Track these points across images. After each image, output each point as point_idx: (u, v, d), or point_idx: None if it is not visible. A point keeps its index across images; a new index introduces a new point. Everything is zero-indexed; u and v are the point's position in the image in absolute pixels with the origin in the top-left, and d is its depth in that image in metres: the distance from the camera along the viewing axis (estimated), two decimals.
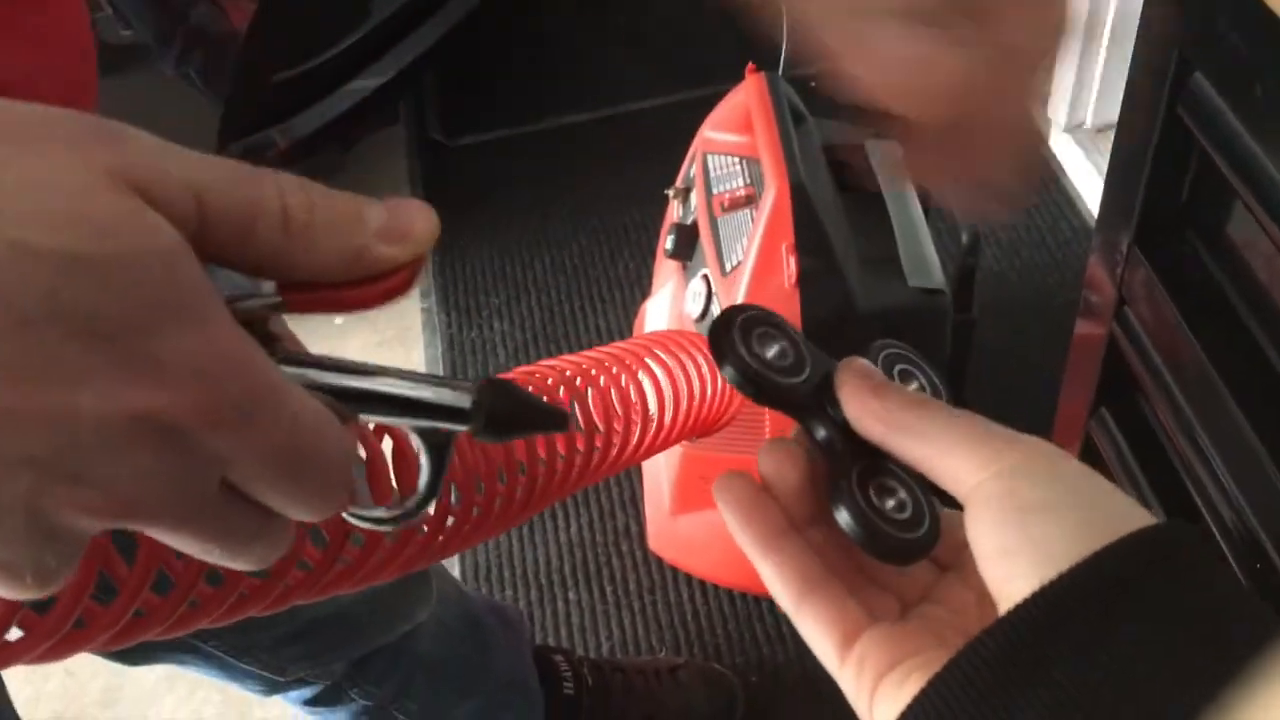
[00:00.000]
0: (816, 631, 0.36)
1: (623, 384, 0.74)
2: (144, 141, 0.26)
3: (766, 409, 1.18)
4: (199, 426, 0.25)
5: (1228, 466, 0.76)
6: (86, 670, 1.39)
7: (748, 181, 1.12)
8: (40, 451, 0.24)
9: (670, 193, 1.26)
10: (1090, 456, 0.90)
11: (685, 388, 0.84)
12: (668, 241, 1.19)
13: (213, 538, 0.27)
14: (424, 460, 0.32)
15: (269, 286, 0.28)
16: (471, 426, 0.30)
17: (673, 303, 1.24)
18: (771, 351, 0.38)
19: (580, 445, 0.63)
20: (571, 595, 1.39)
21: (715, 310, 1.10)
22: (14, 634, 0.35)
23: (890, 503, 0.36)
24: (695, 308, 1.13)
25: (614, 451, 0.68)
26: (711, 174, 1.17)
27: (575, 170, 1.91)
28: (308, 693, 0.92)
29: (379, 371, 0.30)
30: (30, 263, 0.23)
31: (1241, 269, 0.77)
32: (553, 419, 0.32)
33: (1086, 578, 0.30)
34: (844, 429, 0.36)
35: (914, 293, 1.06)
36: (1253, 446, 0.72)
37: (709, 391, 0.87)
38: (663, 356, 0.83)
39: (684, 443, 1.21)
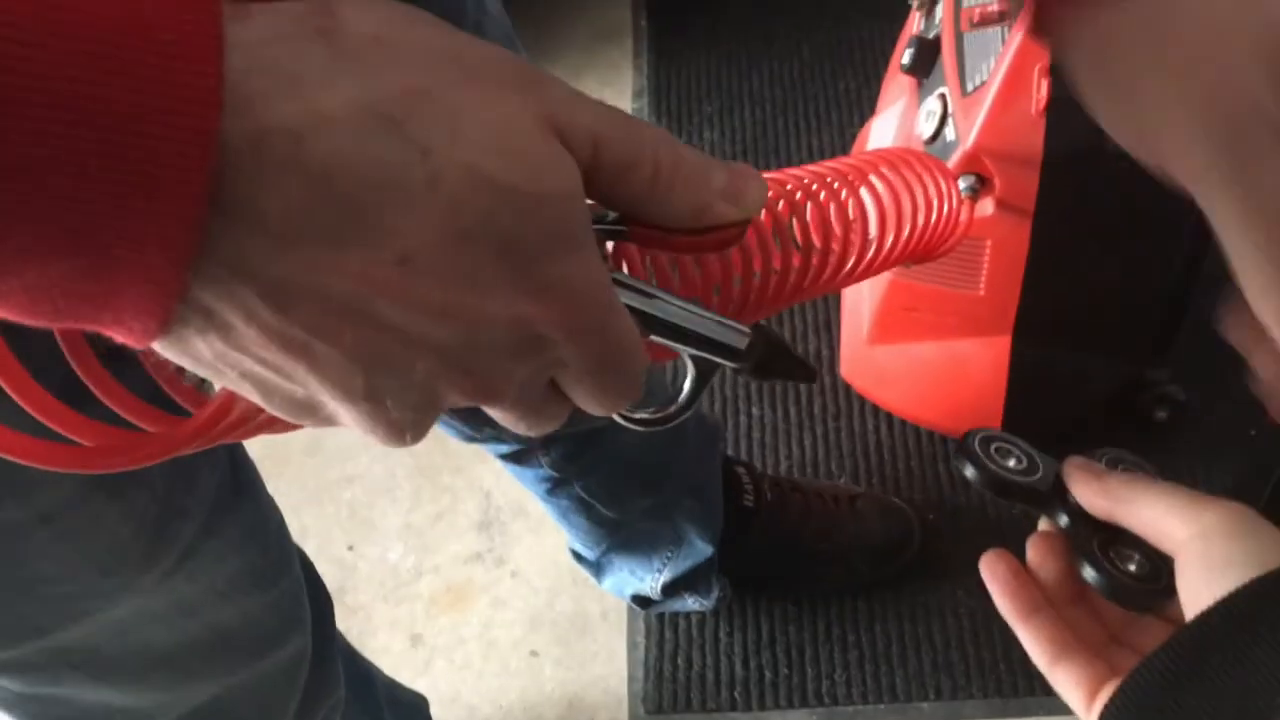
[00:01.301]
0: (1067, 688, 0.44)
1: (843, 199, 0.70)
2: (560, 89, 0.30)
3: (988, 243, 1.11)
4: (559, 338, 0.30)
5: None
6: None
7: None
8: (450, 343, 0.29)
9: (914, 3, 1.18)
10: None
11: (909, 208, 0.80)
12: (905, 55, 1.12)
13: (524, 418, 0.33)
14: (689, 380, 0.37)
15: (612, 215, 0.32)
16: (738, 365, 0.36)
17: (901, 123, 1.17)
18: (1010, 461, 0.47)
19: (796, 262, 0.61)
20: (755, 411, 1.39)
21: (949, 133, 1.04)
22: None
23: (1130, 566, 0.43)
24: (928, 128, 1.06)
25: (828, 270, 0.66)
26: None
27: None
28: (503, 447, 0.95)
29: (671, 300, 0.34)
30: (480, 187, 0.27)
31: None
32: (805, 372, 0.38)
33: (1228, 608, 0.38)
34: (1079, 513, 0.45)
35: None
36: None
37: (933, 215, 0.82)
38: (887, 173, 0.79)
39: (892, 270, 1.17)
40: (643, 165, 0.31)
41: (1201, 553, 0.40)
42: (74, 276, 0.25)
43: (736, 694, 1.21)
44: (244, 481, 0.67)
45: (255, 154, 0.25)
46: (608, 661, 1.27)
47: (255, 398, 0.30)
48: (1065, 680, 0.44)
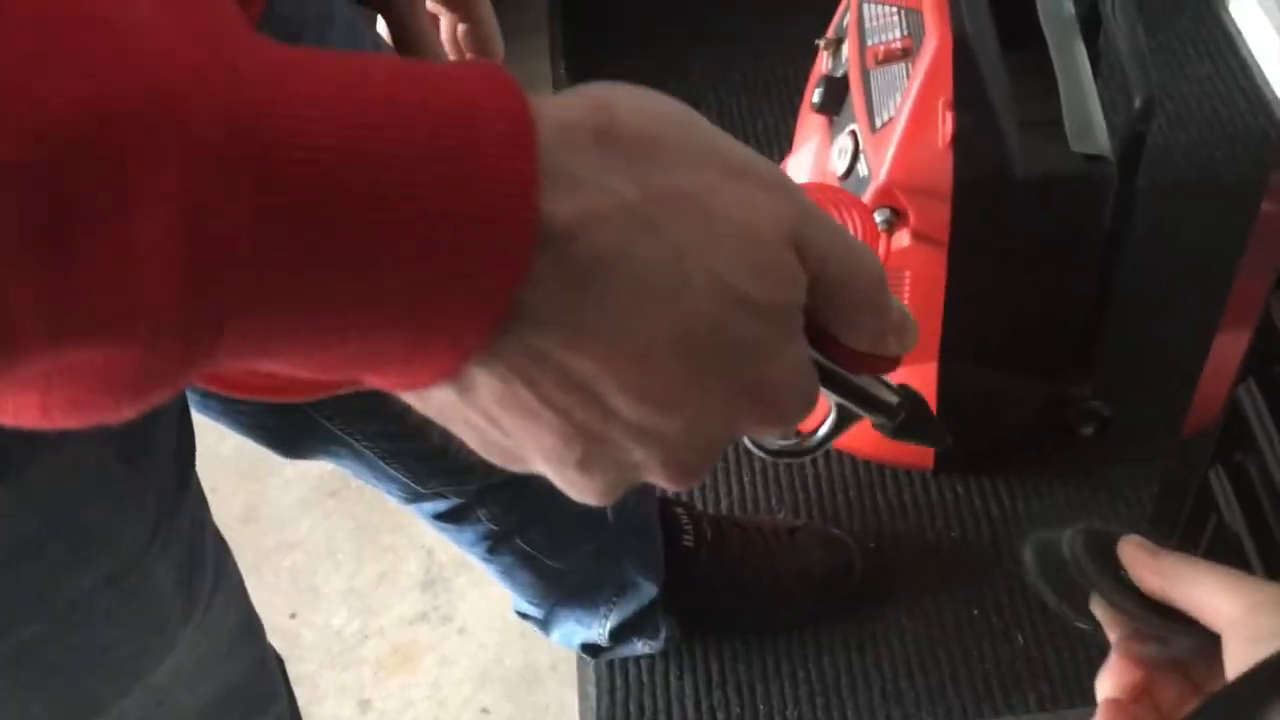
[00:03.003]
0: None
1: None
2: (805, 203, 0.31)
3: (907, 274, 1.12)
4: (763, 425, 0.33)
5: None
6: (228, 488, 1.46)
7: (906, 32, 1.06)
8: (668, 436, 0.31)
9: (820, 43, 1.21)
10: (1268, 338, 0.84)
11: None
12: (815, 94, 1.14)
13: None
14: (830, 421, 0.39)
15: None
16: (884, 421, 0.38)
17: (815, 160, 1.19)
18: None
19: None
20: None
21: (861, 169, 1.06)
22: None
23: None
24: (840, 165, 1.08)
25: None
26: (867, 24, 1.11)
27: (718, 20, 1.85)
28: (441, 506, 0.94)
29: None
30: (723, 294, 0.29)
31: None
32: (941, 439, 0.39)
33: (1251, 674, 0.39)
34: (1131, 588, 0.46)
35: (1076, 158, 1.00)
36: None
37: None
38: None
39: None
40: (853, 289, 0.33)
41: (1249, 625, 0.40)
42: (390, 349, 0.27)
43: None
44: (221, 537, 0.68)
45: (537, 250, 0.27)
46: (559, 714, 1.26)
47: (470, 442, 0.32)
48: None
